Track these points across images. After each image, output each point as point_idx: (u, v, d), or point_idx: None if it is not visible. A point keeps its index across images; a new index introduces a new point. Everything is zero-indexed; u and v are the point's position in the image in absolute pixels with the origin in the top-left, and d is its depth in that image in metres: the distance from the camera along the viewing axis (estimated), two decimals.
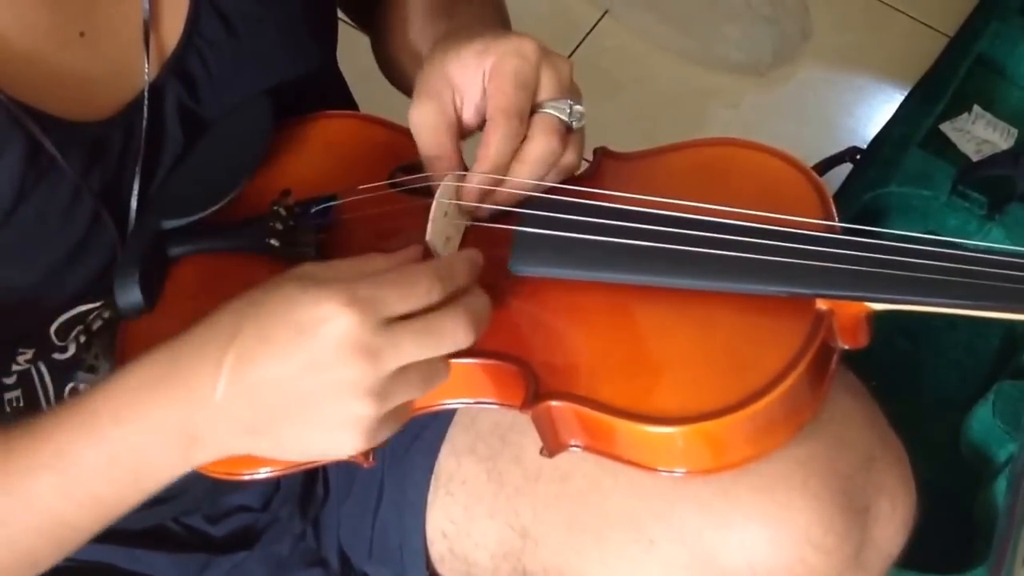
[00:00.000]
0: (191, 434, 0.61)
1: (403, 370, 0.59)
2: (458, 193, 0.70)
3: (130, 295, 0.71)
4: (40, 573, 0.67)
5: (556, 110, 0.70)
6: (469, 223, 0.72)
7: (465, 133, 0.74)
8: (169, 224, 0.73)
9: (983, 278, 0.63)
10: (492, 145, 0.69)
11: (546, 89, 0.70)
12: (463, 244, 0.72)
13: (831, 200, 0.70)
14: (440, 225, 0.69)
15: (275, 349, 0.59)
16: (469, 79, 0.70)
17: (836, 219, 0.70)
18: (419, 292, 0.60)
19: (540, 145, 0.69)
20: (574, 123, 0.70)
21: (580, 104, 0.71)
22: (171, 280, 0.75)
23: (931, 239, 0.66)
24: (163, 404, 0.61)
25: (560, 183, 0.72)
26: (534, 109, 0.70)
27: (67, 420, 0.63)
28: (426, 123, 0.71)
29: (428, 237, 0.67)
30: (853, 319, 0.66)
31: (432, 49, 0.74)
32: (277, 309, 0.59)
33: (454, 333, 0.60)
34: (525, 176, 0.69)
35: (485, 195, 0.70)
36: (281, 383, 0.59)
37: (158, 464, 0.63)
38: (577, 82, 0.73)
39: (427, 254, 0.67)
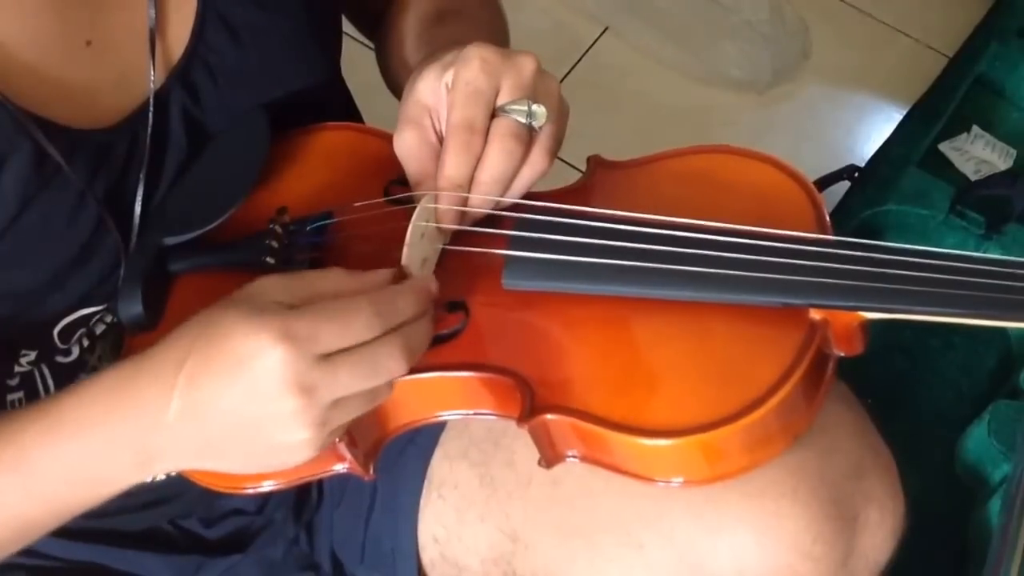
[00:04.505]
0: (147, 451, 0.63)
1: (343, 398, 0.61)
2: (435, 215, 0.70)
3: (133, 311, 0.72)
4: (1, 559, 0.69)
5: (514, 112, 0.68)
6: (446, 245, 0.72)
7: None
8: (170, 241, 0.74)
9: (975, 288, 0.63)
10: (445, 163, 0.69)
11: (507, 91, 0.69)
12: (454, 262, 0.72)
13: (823, 205, 0.71)
14: (417, 248, 0.69)
15: (218, 378, 0.60)
16: (438, 98, 0.71)
17: (828, 222, 0.70)
18: (356, 329, 0.61)
19: (494, 151, 0.68)
20: (534, 123, 0.69)
21: (542, 105, 0.69)
22: (174, 293, 0.75)
23: (922, 250, 0.66)
24: (122, 421, 0.62)
25: (544, 190, 0.71)
26: (496, 113, 0.69)
27: (31, 425, 0.64)
28: (408, 150, 0.72)
29: (404, 261, 0.67)
30: (847, 327, 0.66)
31: (411, 75, 0.75)
32: (219, 337, 0.60)
33: (389, 366, 0.62)
34: (487, 185, 0.69)
35: (460, 213, 0.70)
36: (225, 410, 0.60)
37: (116, 475, 0.64)
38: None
39: (402, 275, 0.67)
